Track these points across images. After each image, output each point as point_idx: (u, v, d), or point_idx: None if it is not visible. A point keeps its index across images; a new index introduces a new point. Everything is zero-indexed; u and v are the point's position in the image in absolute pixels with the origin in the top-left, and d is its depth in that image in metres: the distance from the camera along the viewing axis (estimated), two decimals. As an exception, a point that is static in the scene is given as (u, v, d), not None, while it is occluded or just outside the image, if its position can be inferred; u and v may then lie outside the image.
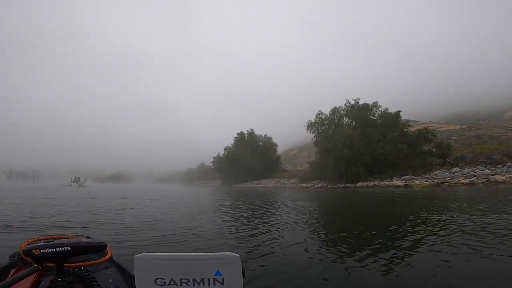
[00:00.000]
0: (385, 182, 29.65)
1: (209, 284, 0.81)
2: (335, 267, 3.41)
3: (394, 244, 4.44)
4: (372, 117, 38.30)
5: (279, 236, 5.29)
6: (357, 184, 31.78)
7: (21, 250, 1.31)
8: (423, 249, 4.19)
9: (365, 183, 31.27)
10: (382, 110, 38.35)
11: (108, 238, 4.74)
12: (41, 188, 26.17)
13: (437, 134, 36.16)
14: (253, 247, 4.43)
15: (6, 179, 67.64)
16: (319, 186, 36.95)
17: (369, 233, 5.43)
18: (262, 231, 5.78)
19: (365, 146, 33.94)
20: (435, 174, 27.96)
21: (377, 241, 4.71)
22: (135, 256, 0.82)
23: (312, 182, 40.03)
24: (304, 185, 40.52)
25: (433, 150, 32.89)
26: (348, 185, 32.25)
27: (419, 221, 6.51)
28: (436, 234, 5.10)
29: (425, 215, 7.54)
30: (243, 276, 0.84)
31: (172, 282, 0.80)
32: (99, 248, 1.13)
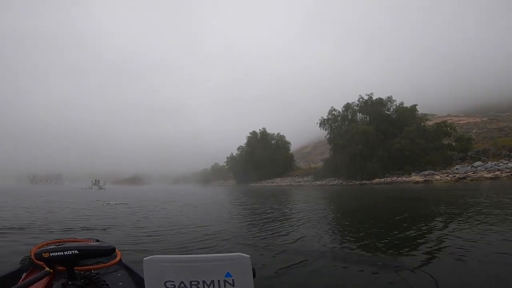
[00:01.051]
0: (403, 178, 28.92)
1: (219, 286, 0.81)
2: (352, 271, 3.14)
3: (425, 243, 4.12)
4: (387, 112, 37.44)
5: (293, 235, 5.14)
6: (374, 180, 31.16)
7: (32, 254, 1.33)
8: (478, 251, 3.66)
9: (382, 180, 30.61)
10: (397, 105, 37.40)
11: (130, 240, 4.85)
12: (62, 192, 27.21)
13: (456, 128, 34.94)
14: (264, 246, 4.34)
15: (30, 184, 70.81)
16: (334, 183, 36.50)
17: (395, 233, 4.94)
18: (276, 230, 5.65)
19: (381, 141, 33.23)
20: (456, 169, 27.00)
21: (406, 243, 4.23)
22: (144, 258, 0.81)
23: (327, 179, 39.61)
24: (318, 182, 40.16)
25: (453, 144, 31.76)
26: (364, 182, 31.69)
27: (449, 217, 6.23)
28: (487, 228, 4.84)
29: (456, 211, 7.21)
30: (254, 277, 0.83)
31: (182, 285, 0.80)
32: (108, 252, 1.14)
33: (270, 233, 5.38)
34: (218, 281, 0.81)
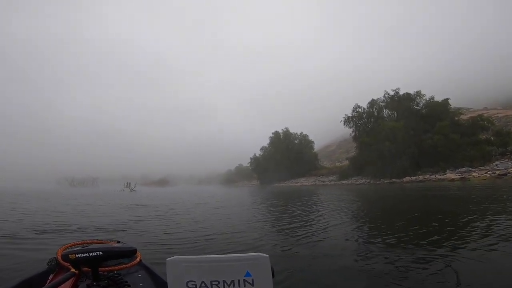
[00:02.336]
0: (436, 176, 27.43)
1: (239, 285, 0.82)
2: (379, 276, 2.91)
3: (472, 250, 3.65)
4: (416, 107, 35.71)
5: (318, 235, 4.98)
6: (404, 179, 29.85)
7: (58, 255, 1.37)
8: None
9: (413, 178, 29.23)
10: (427, 99, 35.59)
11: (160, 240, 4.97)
12: (97, 194, 28.92)
13: (494, 121, 32.58)
14: (286, 246, 4.26)
15: (69, 187, 76.02)
16: (361, 182, 35.47)
17: (437, 238, 4.38)
18: (300, 231, 5.50)
19: (411, 138, 31.74)
20: (496, 165, 25.14)
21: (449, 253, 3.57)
22: (167, 259, 0.83)
23: (353, 178, 38.60)
24: (344, 182, 39.25)
25: (491, 138, 29.59)
26: (393, 180, 30.46)
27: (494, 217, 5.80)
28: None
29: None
30: (273, 276, 0.84)
31: (203, 285, 0.81)
32: (130, 253, 1.17)
33: (294, 233, 5.29)
34: (238, 280, 0.82)
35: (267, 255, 0.83)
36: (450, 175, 26.42)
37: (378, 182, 32.08)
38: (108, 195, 26.07)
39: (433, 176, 27.74)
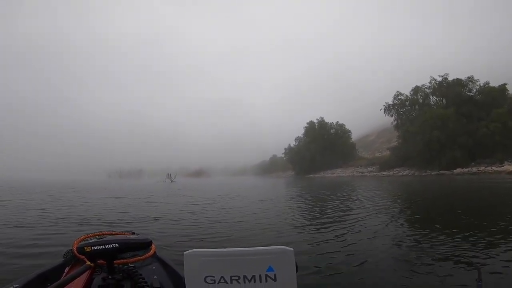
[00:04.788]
0: (493, 168, 25.11)
1: (260, 281, 0.76)
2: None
3: None
4: (468, 93, 32.68)
5: (357, 234, 4.64)
6: (454, 170, 27.76)
7: (74, 248, 1.34)
8: None
9: (466, 170, 27.08)
10: (481, 85, 32.38)
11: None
12: (142, 185, 30.94)
13: None
14: (319, 242, 4.12)
15: (119, 179, 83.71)
16: (404, 174, 33.75)
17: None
18: (332, 227, 5.22)
19: (463, 126, 29.25)
20: None
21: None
22: (185, 253, 0.78)
23: (395, 169, 36.81)
24: (385, 173, 37.63)
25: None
26: (442, 172, 28.48)
27: None
28: None
29: None
30: (296, 271, 0.78)
31: (222, 280, 0.76)
32: (145, 245, 1.14)
33: (327, 229, 5.05)
34: (260, 275, 0.76)
35: (292, 249, 0.77)
36: (509, 167, 24.02)
37: (424, 173, 30.26)
38: (151, 185, 27.83)
39: (488, 168, 25.45)
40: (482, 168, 26.15)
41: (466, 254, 3.40)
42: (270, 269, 0.76)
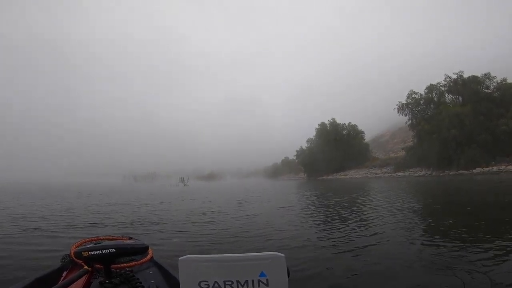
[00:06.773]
0: (515, 166, 24.21)
1: (253, 286, 0.79)
2: None
3: None
4: (485, 90, 31.70)
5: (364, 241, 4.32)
6: (474, 170, 26.89)
7: (71, 253, 1.34)
8: None
9: (486, 169, 26.17)
10: (498, 81, 31.39)
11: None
12: (156, 187, 31.11)
13: None
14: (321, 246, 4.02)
15: (134, 182, 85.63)
16: (420, 174, 32.94)
17: None
18: (337, 233, 4.94)
19: (481, 124, 28.35)
20: None
21: None
22: (179, 258, 0.79)
23: (411, 170, 35.99)
24: (400, 173, 36.86)
25: None
26: (461, 171, 27.65)
27: None
28: None
29: None
30: (288, 276, 0.81)
31: (216, 285, 0.79)
32: (142, 250, 1.18)
33: (337, 234, 4.83)
34: (252, 280, 0.79)
35: (283, 255, 0.80)
36: (534, 164, 23.08)
37: (441, 173, 29.46)
38: (164, 189, 28.12)
39: (510, 167, 24.52)
40: (503, 167, 25.23)
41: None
42: (262, 274, 0.79)
